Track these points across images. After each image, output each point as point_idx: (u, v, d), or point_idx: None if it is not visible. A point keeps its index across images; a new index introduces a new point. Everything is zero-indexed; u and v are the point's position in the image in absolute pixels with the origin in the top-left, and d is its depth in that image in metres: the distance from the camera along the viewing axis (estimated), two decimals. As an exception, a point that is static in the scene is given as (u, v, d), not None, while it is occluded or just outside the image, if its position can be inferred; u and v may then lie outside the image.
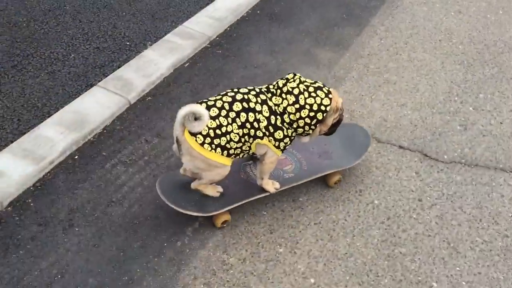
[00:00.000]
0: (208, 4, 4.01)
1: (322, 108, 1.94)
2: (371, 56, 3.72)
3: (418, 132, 3.02)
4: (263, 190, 2.21)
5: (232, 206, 2.17)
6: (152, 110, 2.98)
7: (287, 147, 2.08)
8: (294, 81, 1.95)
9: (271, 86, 2.04)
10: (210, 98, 1.97)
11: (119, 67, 3.17)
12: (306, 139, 2.13)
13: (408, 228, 2.44)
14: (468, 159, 2.86)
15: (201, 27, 3.70)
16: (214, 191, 2.16)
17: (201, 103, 1.95)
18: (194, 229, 2.33)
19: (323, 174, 2.35)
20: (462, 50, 3.84)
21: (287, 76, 2.02)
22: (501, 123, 3.14)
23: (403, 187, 2.66)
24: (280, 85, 1.98)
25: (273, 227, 2.38)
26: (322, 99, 1.94)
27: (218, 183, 2.19)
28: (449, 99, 3.33)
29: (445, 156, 2.87)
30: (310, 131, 2.04)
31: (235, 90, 1.99)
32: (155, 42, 3.45)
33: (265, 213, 2.44)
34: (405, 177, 2.71)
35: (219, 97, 1.95)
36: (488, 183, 2.71)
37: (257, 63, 3.52)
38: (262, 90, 2.00)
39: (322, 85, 2.02)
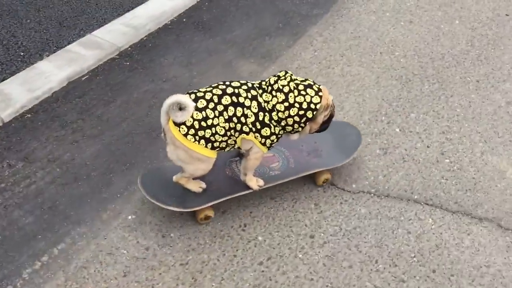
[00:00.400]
0: (128, 11, 3.80)
1: (312, 106, 1.96)
2: (300, 69, 3.47)
3: (329, 157, 2.75)
4: (247, 187, 2.20)
5: (214, 202, 2.15)
6: (27, 129, 2.75)
7: (273, 145, 2.09)
8: (285, 78, 1.98)
9: (263, 83, 2.06)
10: (200, 89, 1.98)
11: (3, 80, 2.95)
12: (295, 136, 2.12)
13: (289, 270, 2.17)
14: (379, 188, 2.58)
15: (112, 36, 3.48)
16: (196, 187, 2.16)
17: (190, 94, 1.96)
18: (34, 270, 2.08)
19: (310, 172, 2.30)
20: (403, 64, 3.58)
21: (278, 74, 2.04)
22: (428, 146, 2.87)
23: (296, 220, 2.39)
24: (272, 82, 2.00)
25: (129, 268, 2.12)
26: (312, 97, 1.96)
27: (201, 179, 2.19)
28: (376, 118, 3.07)
29: (354, 185, 2.59)
30: (300, 129, 2.05)
31: (227, 83, 2.01)
32: (54, 52, 3.24)
33: (124, 251, 2.19)
34: (301, 209, 2.44)
35: (209, 89, 1.96)
36: (395, 217, 2.43)
37: (167, 77, 3.28)
38: (254, 85, 2.03)
39: (312, 83, 2.03)
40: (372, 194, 2.55)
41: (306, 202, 2.48)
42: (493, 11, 4.18)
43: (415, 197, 2.55)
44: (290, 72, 2.05)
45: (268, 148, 2.09)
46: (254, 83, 2.05)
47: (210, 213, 2.23)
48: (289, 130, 2.06)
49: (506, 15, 4.15)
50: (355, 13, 4.16)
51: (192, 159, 1.98)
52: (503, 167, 2.73)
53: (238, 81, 2.04)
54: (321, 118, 2.07)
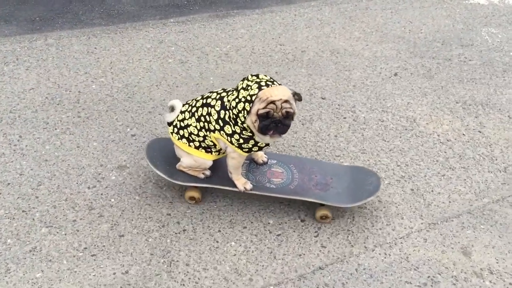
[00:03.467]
0: None
1: (248, 98, 2.14)
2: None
3: None
4: (235, 185, 2.44)
5: (199, 184, 2.43)
6: None
7: (248, 148, 2.27)
8: (248, 79, 2.20)
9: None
10: (195, 98, 2.43)
11: None
12: (257, 138, 2.25)
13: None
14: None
15: None
16: (199, 173, 2.46)
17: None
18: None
19: (302, 198, 2.44)
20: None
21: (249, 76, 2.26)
22: None
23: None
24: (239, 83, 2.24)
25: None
26: (252, 90, 2.15)
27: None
28: None
29: None
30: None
31: (214, 90, 2.39)
32: None
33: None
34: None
35: (199, 97, 2.39)
36: None
37: None
38: (231, 88, 2.32)
39: (266, 81, 2.16)
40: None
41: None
42: (310, 90, 3.28)
43: None
44: (257, 75, 2.22)
45: (243, 150, 2.26)
46: (235, 87, 2.29)
47: (196, 195, 2.46)
48: (249, 129, 2.20)
49: (322, 98, 3.22)
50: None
51: (186, 153, 2.38)
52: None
53: (224, 88, 2.35)
54: (255, 109, 2.12)
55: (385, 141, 2.94)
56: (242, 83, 2.18)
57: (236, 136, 2.22)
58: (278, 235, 2.31)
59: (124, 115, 2.97)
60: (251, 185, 2.41)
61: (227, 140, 2.25)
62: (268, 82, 2.15)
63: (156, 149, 2.52)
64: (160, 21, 4.06)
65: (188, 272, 2.11)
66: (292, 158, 2.65)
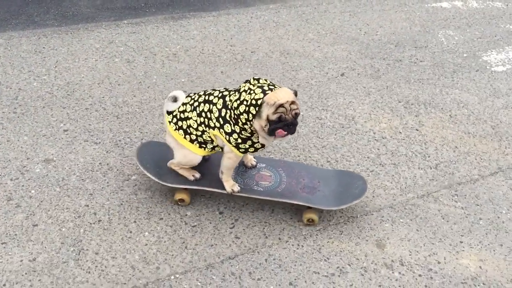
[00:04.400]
0: None
1: (253, 102, 2.22)
2: None
3: None
4: (223, 187, 2.52)
5: (188, 186, 2.51)
6: None
7: (245, 149, 2.36)
8: (250, 82, 2.31)
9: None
10: (198, 92, 2.54)
11: None
12: (261, 140, 2.35)
13: None
14: None
15: None
16: (189, 174, 2.54)
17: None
18: None
19: (289, 201, 2.51)
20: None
21: (250, 78, 2.36)
22: None
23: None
24: (242, 85, 2.34)
25: None
26: (256, 94, 2.23)
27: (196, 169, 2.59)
28: None
29: None
30: (252, 128, 2.29)
31: (217, 88, 2.51)
32: None
33: None
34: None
35: (201, 92, 2.50)
36: None
37: None
38: (234, 89, 2.42)
39: (268, 85, 2.28)
40: None
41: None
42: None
43: None
44: (258, 78, 2.31)
45: (240, 150, 2.35)
46: (237, 88, 2.38)
47: (185, 197, 2.52)
48: (248, 130, 2.29)
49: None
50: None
51: (178, 145, 2.46)
52: None
53: (226, 88, 2.46)
54: (265, 114, 2.19)
55: (319, 138, 3.01)
56: (244, 86, 2.27)
57: (235, 136, 2.32)
58: (194, 226, 2.38)
59: (60, 112, 3.06)
60: (239, 188, 2.49)
61: (226, 138, 2.34)
62: (270, 86, 2.24)
63: (147, 152, 2.61)
64: (114, 22, 4.16)
65: (96, 260, 2.17)
66: (281, 162, 2.73)
